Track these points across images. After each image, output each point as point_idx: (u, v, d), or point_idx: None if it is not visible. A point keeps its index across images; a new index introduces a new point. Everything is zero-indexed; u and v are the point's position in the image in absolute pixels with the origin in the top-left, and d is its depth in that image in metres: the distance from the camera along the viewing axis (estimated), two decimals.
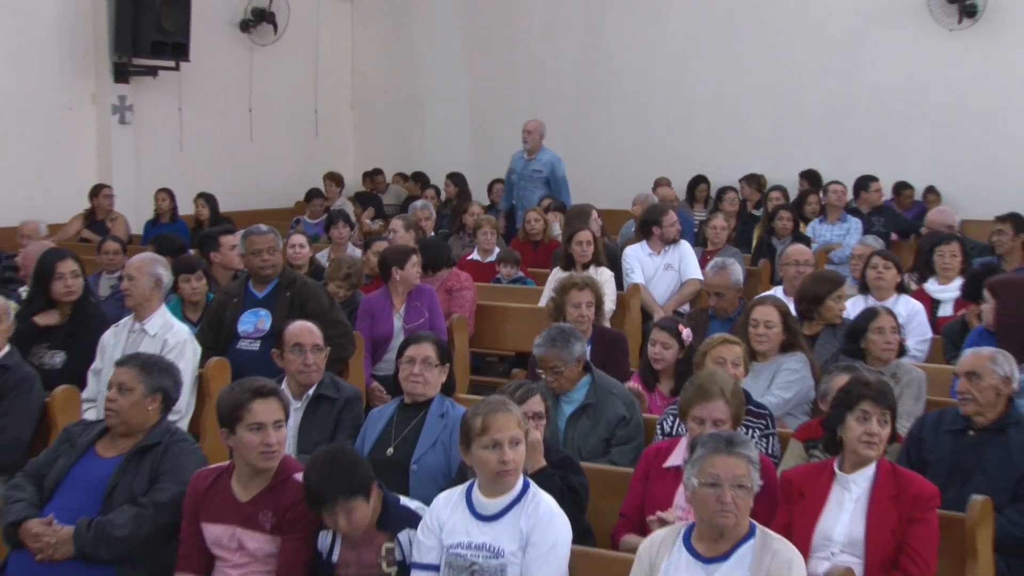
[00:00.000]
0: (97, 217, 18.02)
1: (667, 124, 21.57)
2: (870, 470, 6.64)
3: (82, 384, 9.30)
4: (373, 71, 23.94)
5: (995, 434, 7.53)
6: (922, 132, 20.08)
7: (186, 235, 16.44)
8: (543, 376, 8.27)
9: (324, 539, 6.35)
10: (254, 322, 10.33)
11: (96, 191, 18.32)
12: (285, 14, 22.39)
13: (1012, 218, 14.17)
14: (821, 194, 18.24)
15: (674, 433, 7.57)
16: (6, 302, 8.98)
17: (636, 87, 22.02)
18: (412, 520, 6.25)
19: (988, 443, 7.53)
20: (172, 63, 20.49)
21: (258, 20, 22.21)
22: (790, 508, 6.60)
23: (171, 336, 9.42)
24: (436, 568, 6.03)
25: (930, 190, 19.59)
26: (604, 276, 12.39)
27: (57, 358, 9.83)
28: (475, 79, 23.19)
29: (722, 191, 18.76)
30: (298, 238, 13.44)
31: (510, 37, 22.87)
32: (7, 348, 8.71)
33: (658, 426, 8.04)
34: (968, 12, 19.69)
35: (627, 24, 22.05)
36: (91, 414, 8.58)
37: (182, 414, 8.65)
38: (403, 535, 6.20)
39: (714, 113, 21.29)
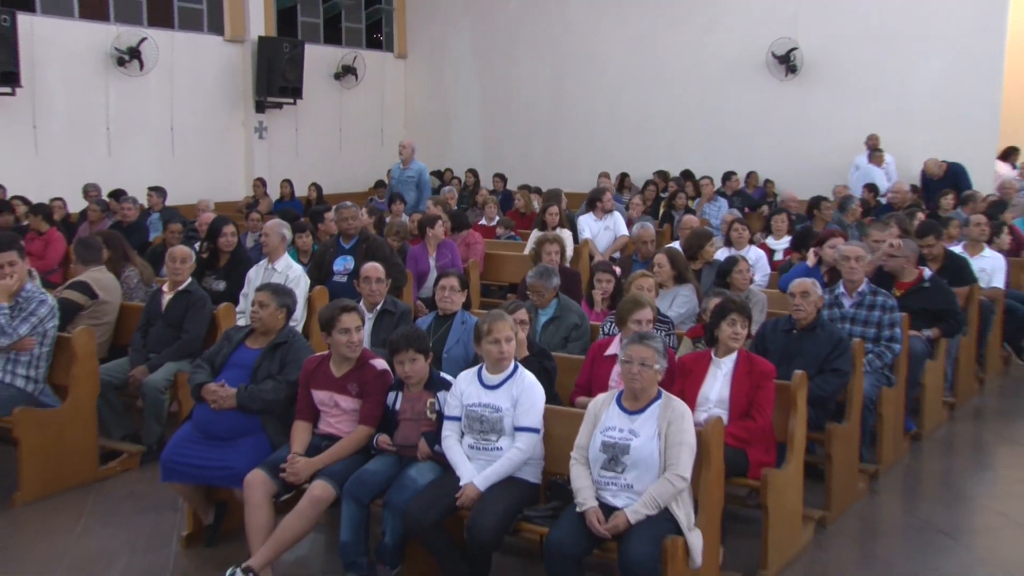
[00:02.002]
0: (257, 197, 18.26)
1: (606, 136, 21.64)
2: (734, 356, 6.73)
3: (236, 302, 9.50)
4: (418, 103, 23.98)
5: (809, 332, 7.60)
6: (764, 143, 20.21)
7: (300, 209, 16.73)
8: (529, 296, 8.36)
9: (391, 397, 6.42)
10: (343, 264, 10.41)
11: (256, 183, 18.68)
12: (363, 69, 22.51)
13: (821, 199, 14.14)
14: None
15: (610, 333, 7.56)
16: (189, 250, 9.10)
17: (586, 111, 22.10)
18: (446, 386, 6.32)
19: (805, 338, 7.59)
20: (292, 100, 20.59)
21: (345, 72, 22.33)
22: (683, 380, 6.70)
23: (291, 272, 9.62)
24: (459, 419, 6.13)
25: (768, 180, 19.81)
26: (565, 235, 12.36)
27: (220, 285, 10.04)
28: (484, 107, 23.29)
29: (647, 183, 18.73)
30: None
31: (506, 80, 22.94)
32: (189, 279, 8.85)
33: (600, 329, 8.07)
34: (791, 69, 19.96)
35: (580, 69, 22.12)
36: (242, 321, 8.68)
37: (298, 322, 8.76)
38: (441, 395, 6.27)
39: (636, 130, 21.38)
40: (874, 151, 18.40)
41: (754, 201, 18.24)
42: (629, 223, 14.06)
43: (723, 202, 16.71)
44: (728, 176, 19.36)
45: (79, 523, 7.26)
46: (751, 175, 19.94)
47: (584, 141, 21.85)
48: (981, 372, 10.96)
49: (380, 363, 6.57)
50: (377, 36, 23.94)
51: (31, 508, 7.46)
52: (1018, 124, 19.43)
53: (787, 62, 20.21)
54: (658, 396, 5.73)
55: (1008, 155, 18.79)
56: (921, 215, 12.28)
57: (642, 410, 5.68)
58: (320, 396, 6.54)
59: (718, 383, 6.70)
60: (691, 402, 6.46)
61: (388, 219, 13.62)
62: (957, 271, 10.34)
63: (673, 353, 7.01)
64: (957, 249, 11.09)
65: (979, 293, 10.53)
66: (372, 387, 6.46)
